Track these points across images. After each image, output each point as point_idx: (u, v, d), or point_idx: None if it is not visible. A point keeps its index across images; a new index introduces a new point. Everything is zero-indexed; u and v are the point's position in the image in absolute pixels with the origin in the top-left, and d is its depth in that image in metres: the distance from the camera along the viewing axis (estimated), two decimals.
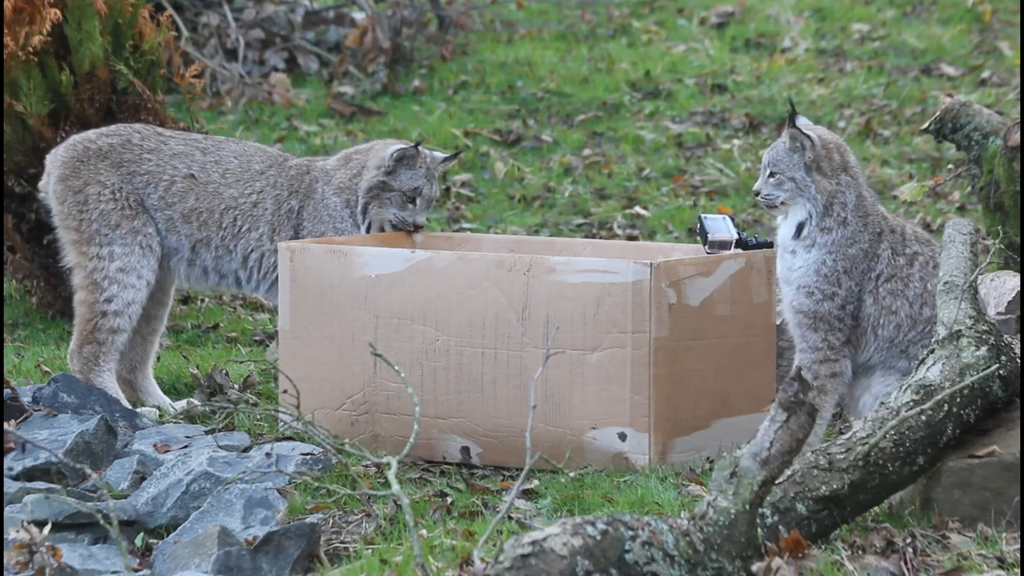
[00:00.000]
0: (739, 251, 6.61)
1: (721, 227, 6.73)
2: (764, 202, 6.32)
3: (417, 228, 7.17)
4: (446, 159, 7.31)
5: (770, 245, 6.61)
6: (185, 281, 7.27)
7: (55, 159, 7.20)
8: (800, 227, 6.20)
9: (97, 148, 7.16)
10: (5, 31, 7.98)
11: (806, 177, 6.20)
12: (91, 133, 7.27)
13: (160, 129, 7.38)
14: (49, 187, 7.19)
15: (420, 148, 7.18)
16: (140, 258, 7.11)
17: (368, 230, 7.16)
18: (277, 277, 7.01)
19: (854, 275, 6.15)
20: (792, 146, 6.23)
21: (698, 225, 6.79)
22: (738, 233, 6.71)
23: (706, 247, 6.71)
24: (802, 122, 6.34)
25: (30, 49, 7.99)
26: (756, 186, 6.35)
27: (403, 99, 12.12)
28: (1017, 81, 11.83)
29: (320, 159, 7.40)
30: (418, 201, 7.16)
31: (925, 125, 7.57)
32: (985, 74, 12.17)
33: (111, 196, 7.11)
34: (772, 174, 6.26)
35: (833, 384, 6.15)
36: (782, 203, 6.25)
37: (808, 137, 6.19)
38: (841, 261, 6.15)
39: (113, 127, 7.34)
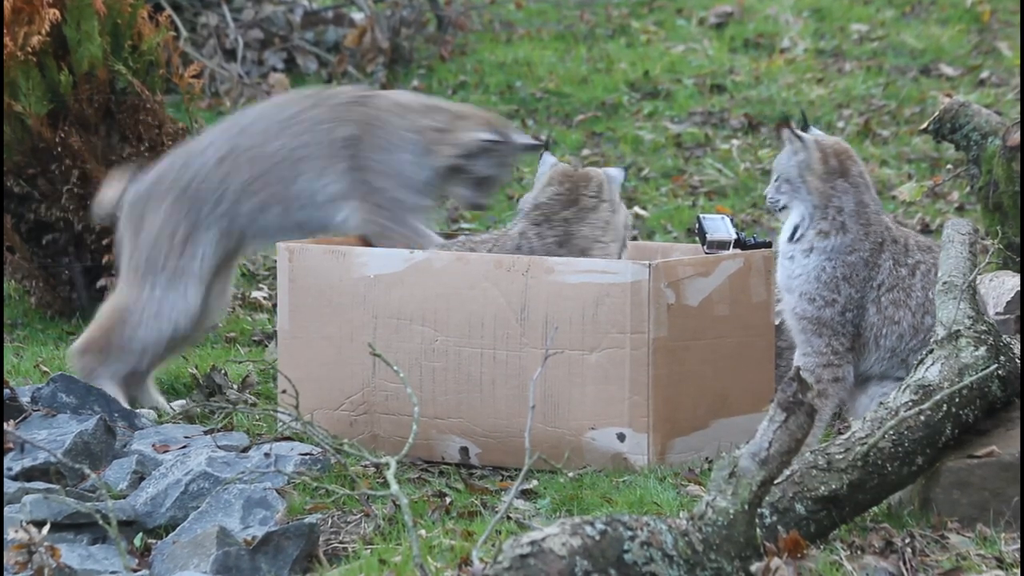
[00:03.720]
0: (738, 251, 6.61)
1: (720, 227, 6.73)
2: (768, 206, 6.32)
3: (480, 209, 7.13)
4: (528, 147, 7.03)
5: (768, 245, 6.61)
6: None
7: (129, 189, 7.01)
8: (796, 229, 6.19)
9: (160, 185, 6.96)
10: (4, 31, 7.98)
11: (798, 177, 6.19)
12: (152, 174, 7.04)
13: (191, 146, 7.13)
14: (120, 204, 7.01)
15: (502, 137, 6.91)
16: (179, 299, 6.97)
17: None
18: None
19: (854, 282, 6.13)
20: (787, 148, 6.23)
21: (696, 225, 6.79)
22: (736, 233, 6.71)
23: (704, 247, 6.71)
24: (814, 133, 6.33)
25: (29, 49, 7.99)
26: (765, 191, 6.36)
27: None
28: (1016, 81, 11.83)
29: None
30: (490, 186, 7.03)
31: (924, 125, 7.57)
32: (984, 74, 12.17)
33: (170, 233, 6.94)
34: (776, 178, 6.26)
35: (835, 389, 6.14)
36: (783, 207, 6.25)
37: (799, 137, 6.19)
38: (840, 268, 6.13)
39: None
